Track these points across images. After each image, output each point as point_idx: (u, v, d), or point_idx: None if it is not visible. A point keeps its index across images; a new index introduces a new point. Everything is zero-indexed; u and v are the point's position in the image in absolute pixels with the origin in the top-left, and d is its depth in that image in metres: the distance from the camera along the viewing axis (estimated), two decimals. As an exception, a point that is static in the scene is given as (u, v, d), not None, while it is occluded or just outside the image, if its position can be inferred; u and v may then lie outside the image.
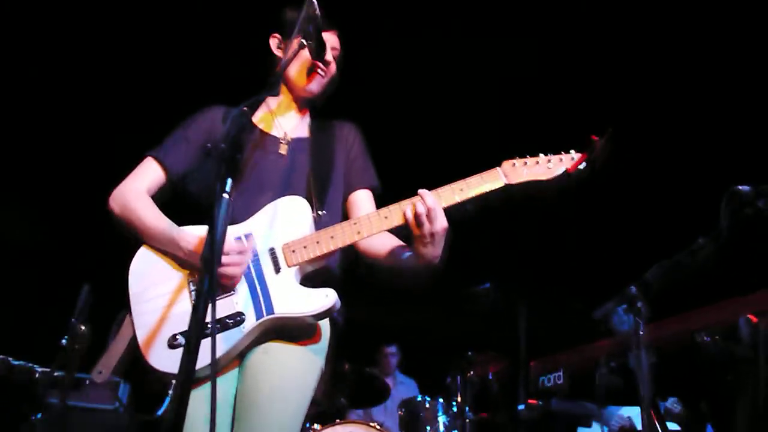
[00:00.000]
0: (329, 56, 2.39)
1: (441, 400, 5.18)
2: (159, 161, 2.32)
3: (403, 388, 6.15)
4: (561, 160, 2.17)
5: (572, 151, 2.18)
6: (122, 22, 5.09)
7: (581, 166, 2.12)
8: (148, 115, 4.72)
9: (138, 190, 2.26)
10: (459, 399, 5.19)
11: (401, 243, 2.24)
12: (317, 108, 2.58)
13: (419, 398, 5.18)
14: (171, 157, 2.33)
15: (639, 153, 4.85)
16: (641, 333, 2.41)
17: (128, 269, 2.16)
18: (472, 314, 5.76)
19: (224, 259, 2.00)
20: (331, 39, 2.42)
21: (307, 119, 2.53)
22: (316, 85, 2.41)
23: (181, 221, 2.21)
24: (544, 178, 2.15)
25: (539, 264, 6.23)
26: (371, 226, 2.11)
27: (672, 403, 3.82)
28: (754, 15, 4.62)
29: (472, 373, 5.25)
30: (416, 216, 2.03)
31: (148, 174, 2.31)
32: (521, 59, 5.23)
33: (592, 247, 5.96)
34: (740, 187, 2.27)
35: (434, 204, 2.03)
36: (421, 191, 2.07)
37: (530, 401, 4.36)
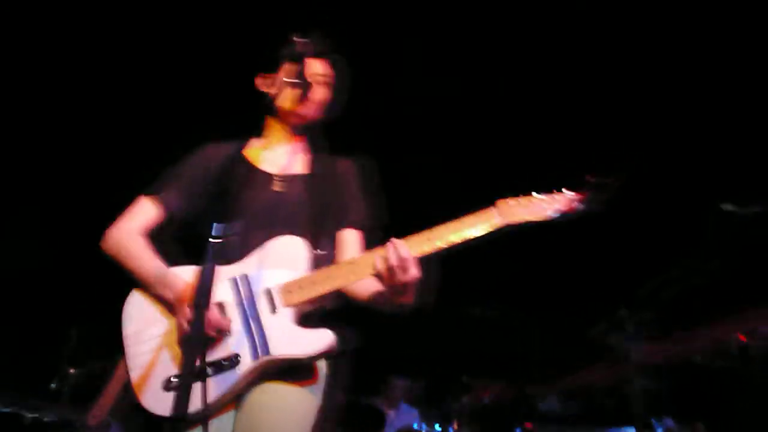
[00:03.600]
0: (316, 93, 2.40)
1: (438, 426, 5.14)
2: (153, 199, 2.31)
3: (405, 418, 6.10)
4: (555, 199, 2.14)
5: (564, 190, 2.14)
6: (113, 49, 5.10)
7: (576, 207, 2.10)
8: (141, 156, 4.72)
9: (130, 231, 2.25)
10: (456, 426, 5.16)
11: (380, 288, 2.18)
12: (316, 141, 2.55)
13: (415, 426, 5.13)
14: (165, 194, 2.31)
15: (632, 177, 4.88)
16: (635, 354, 2.42)
17: (122, 311, 2.14)
18: (469, 337, 5.75)
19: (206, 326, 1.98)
20: (318, 66, 2.42)
21: (304, 153, 2.50)
22: (304, 110, 2.38)
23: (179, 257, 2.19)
24: (538, 219, 2.12)
25: (537, 288, 6.23)
26: (368, 266, 2.07)
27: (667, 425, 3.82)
28: (742, 34, 4.70)
29: (468, 397, 5.22)
30: (389, 267, 2.00)
31: (142, 213, 2.29)
32: (516, 93, 5.29)
33: (587, 270, 5.97)
34: (727, 206, 2.30)
35: (406, 254, 2.00)
36: (393, 240, 2.04)
37: (527, 425, 4.34)
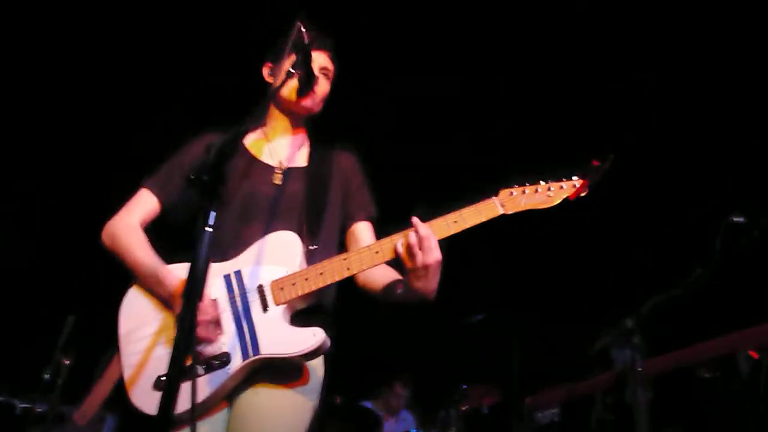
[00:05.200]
0: (318, 85, 2.36)
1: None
2: (153, 192, 2.28)
3: (404, 424, 6.05)
4: (562, 187, 2.08)
5: (574, 177, 2.09)
6: (114, 39, 5.07)
7: (583, 194, 2.05)
8: (141, 142, 4.69)
9: (129, 225, 2.22)
10: (453, 432, 5.11)
11: (398, 276, 2.17)
12: (315, 130, 2.53)
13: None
14: (165, 187, 2.28)
15: (635, 183, 4.83)
16: (638, 367, 2.36)
17: (119, 309, 2.12)
18: (466, 345, 5.70)
19: (199, 318, 1.95)
20: (321, 59, 2.39)
21: (304, 146, 2.47)
22: (308, 102, 2.35)
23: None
24: (543, 207, 2.07)
25: (533, 297, 6.18)
26: (361, 262, 2.05)
27: None
28: (744, 37, 4.65)
29: (466, 406, 5.18)
30: (408, 248, 1.97)
31: (141, 206, 2.26)
32: (520, 81, 5.24)
33: (587, 280, 5.91)
34: (735, 218, 2.25)
35: (427, 234, 1.96)
36: (414, 220, 2.00)
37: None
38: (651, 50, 4.92)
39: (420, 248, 1.95)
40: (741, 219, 2.27)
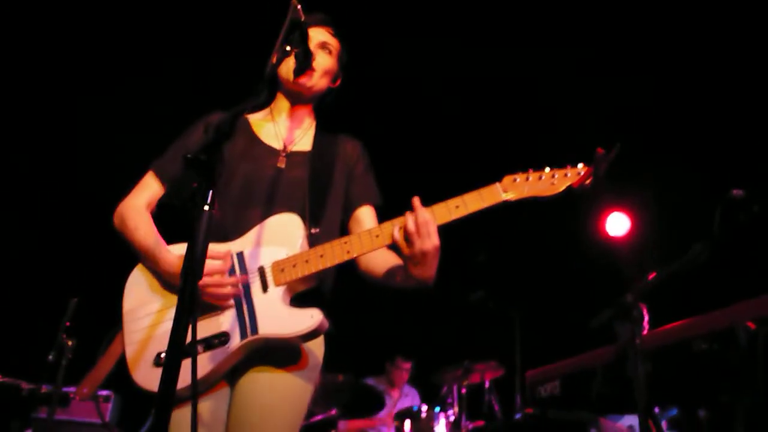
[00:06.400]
0: (318, 60, 2.33)
1: (438, 409, 5.13)
2: (156, 174, 2.29)
3: (406, 399, 6.12)
4: (566, 175, 2.06)
5: (579, 165, 2.06)
6: (118, 22, 5.04)
7: (587, 182, 2.01)
8: (144, 126, 4.68)
9: (136, 206, 2.24)
10: (456, 408, 5.16)
11: (399, 262, 2.14)
12: (322, 114, 2.51)
13: (415, 408, 5.13)
14: (168, 168, 2.29)
15: (636, 159, 4.82)
16: (639, 339, 2.37)
17: (123, 287, 2.16)
18: (471, 322, 5.72)
19: (205, 279, 1.96)
20: (321, 34, 2.37)
21: (310, 129, 2.45)
22: (306, 80, 2.33)
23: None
24: (546, 194, 2.04)
25: (535, 272, 6.20)
26: (362, 245, 2.04)
27: (671, 414, 3.78)
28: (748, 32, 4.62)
29: (469, 381, 5.22)
30: (407, 233, 1.95)
31: (148, 188, 2.29)
32: (525, 68, 5.21)
33: (592, 255, 5.93)
34: (735, 192, 2.24)
35: (425, 220, 1.94)
36: (414, 202, 1.97)
37: (527, 410, 4.31)
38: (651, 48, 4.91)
39: (418, 234, 1.93)
40: (740, 192, 2.26)
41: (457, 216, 2.01)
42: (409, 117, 5.61)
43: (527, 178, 2.06)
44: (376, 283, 2.24)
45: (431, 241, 1.94)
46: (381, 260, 2.20)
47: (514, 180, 2.05)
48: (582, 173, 2.04)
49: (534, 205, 2.10)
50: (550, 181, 2.05)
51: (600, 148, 1.92)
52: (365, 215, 2.36)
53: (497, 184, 2.06)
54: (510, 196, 2.04)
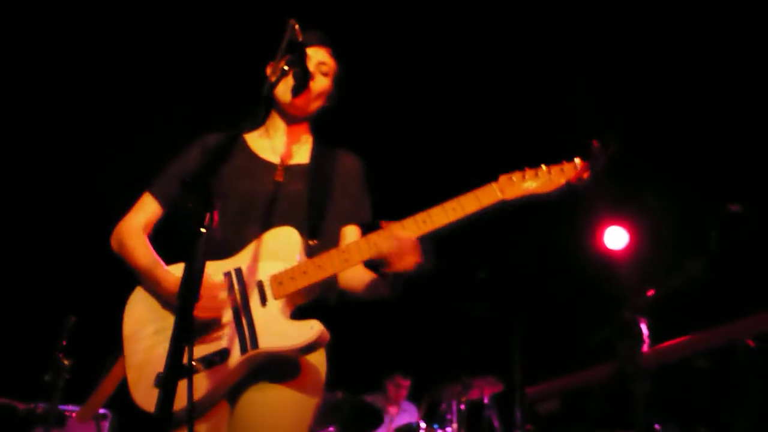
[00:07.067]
0: (314, 82, 2.33)
1: (437, 426, 5.10)
2: (154, 196, 2.29)
3: (405, 415, 6.08)
4: (562, 170, 2.04)
5: (576, 159, 2.04)
6: (118, 29, 5.07)
7: (584, 176, 2.00)
8: (143, 143, 4.68)
9: (133, 228, 2.24)
10: (455, 424, 5.12)
11: (374, 276, 2.18)
12: (319, 129, 2.51)
13: (414, 425, 5.10)
14: (165, 191, 2.29)
15: (635, 172, 4.83)
16: (637, 358, 2.37)
17: (123, 310, 2.16)
18: (469, 337, 5.70)
19: (200, 302, 1.96)
20: (319, 55, 2.37)
21: (307, 143, 2.45)
22: (302, 101, 2.32)
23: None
24: (544, 191, 2.03)
25: (535, 288, 6.19)
26: (361, 253, 2.05)
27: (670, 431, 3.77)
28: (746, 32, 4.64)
29: (468, 397, 5.18)
30: (385, 257, 1.99)
31: (145, 210, 2.28)
32: (525, 68, 5.22)
33: (591, 272, 5.91)
34: (731, 207, 2.24)
35: (403, 237, 1.97)
36: (389, 226, 2.01)
37: (527, 427, 4.29)
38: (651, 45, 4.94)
39: (397, 253, 1.97)
40: (739, 208, 2.26)
41: (455, 218, 2.01)
42: (405, 118, 5.60)
43: (523, 176, 2.04)
44: (356, 298, 2.26)
45: (409, 259, 1.98)
46: (359, 276, 2.23)
47: (510, 178, 2.04)
48: (579, 167, 2.01)
49: (533, 219, 2.09)
50: (546, 177, 2.03)
51: (595, 140, 1.91)
52: (350, 235, 2.36)
53: (493, 184, 2.05)
54: (507, 195, 2.03)
